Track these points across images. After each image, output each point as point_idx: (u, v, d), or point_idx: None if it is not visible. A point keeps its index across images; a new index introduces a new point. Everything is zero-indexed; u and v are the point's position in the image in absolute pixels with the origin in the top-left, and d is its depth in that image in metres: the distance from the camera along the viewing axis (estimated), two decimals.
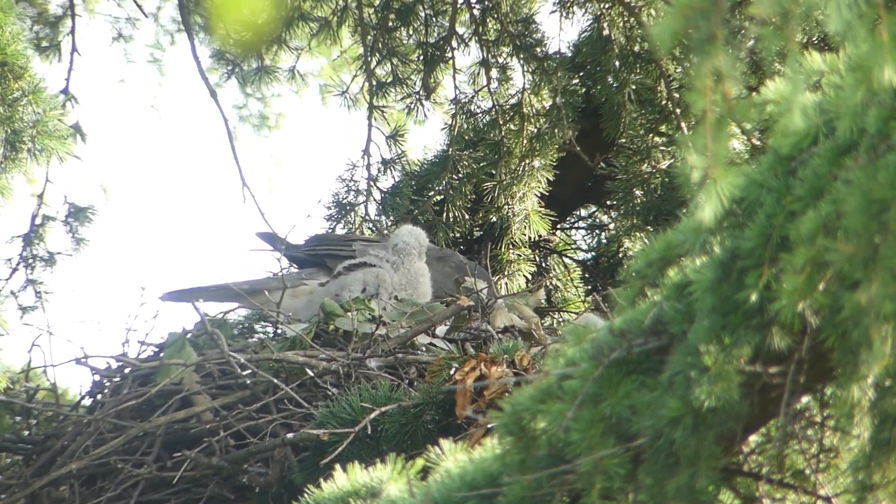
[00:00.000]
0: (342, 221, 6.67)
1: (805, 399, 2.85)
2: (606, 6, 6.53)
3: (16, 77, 4.74)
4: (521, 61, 6.62)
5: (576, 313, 6.69)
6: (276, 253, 6.20)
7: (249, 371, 5.09)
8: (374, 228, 6.60)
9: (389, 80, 6.75)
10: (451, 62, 6.75)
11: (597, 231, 7.19)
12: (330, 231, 6.65)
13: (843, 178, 2.37)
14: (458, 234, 6.66)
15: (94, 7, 7.60)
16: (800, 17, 2.30)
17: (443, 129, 6.79)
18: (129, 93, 8.41)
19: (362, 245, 5.99)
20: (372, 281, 5.73)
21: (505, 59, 6.69)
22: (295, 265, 6.24)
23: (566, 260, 7.19)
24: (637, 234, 6.62)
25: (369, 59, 6.72)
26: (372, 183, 6.68)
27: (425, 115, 6.80)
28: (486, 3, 6.64)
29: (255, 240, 6.26)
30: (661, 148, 6.52)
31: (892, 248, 2.23)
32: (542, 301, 6.59)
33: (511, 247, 6.64)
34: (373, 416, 4.71)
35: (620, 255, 6.81)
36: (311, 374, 5.08)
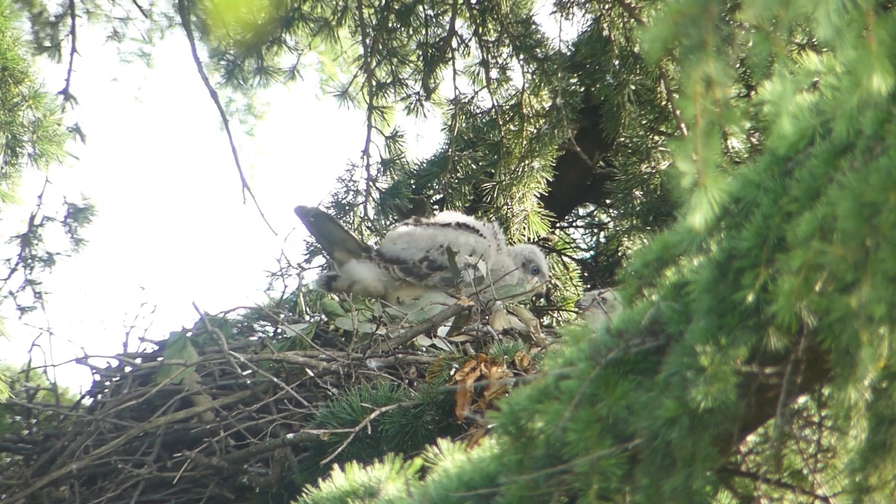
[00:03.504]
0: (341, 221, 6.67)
1: (802, 399, 2.85)
2: (606, 7, 6.53)
3: (16, 82, 4.76)
4: (521, 62, 6.62)
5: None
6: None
7: (250, 371, 5.09)
8: (373, 228, 6.59)
9: (389, 80, 6.75)
10: (451, 62, 6.76)
11: (596, 230, 7.19)
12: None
13: (837, 181, 2.38)
14: None
15: (97, 7, 7.60)
16: (789, 23, 2.30)
17: (442, 129, 6.79)
18: (122, 91, 8.43)
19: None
20: (480, 250, 5.71)
21: (505, 59, 6.69)
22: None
23: (565, 259, 7.20)
24: (636, 233, 6.62)
25: (369, 59, 6.72)
26: (371, 183, 6.68)
27: (424, 116, 6.80)
28: (486, 3, 6.64)
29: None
30: (661, 148, 6.52)
31: (884, 252, 2.24)
32: (542, 301, 6.60)
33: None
34: (373, 416, 4.71)
35: (619, 255, 6.82)
36: (312, 375, 5.08)
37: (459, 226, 5.80)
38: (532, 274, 5.90)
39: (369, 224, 6.65)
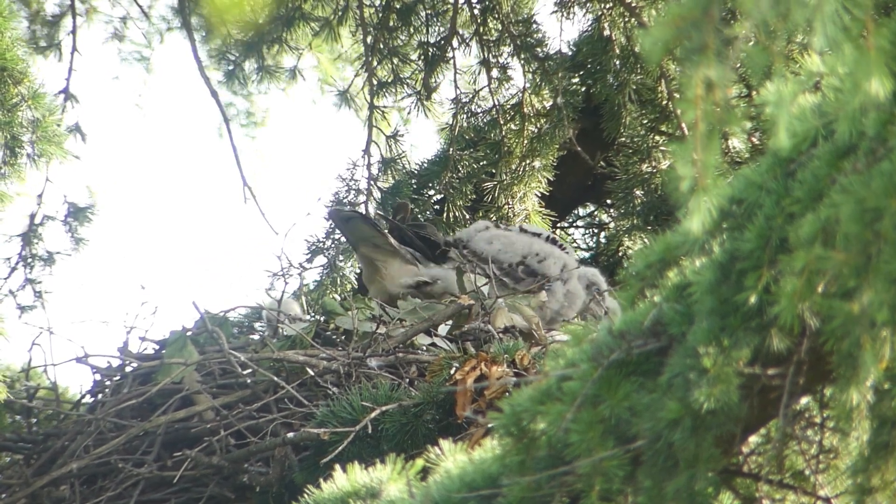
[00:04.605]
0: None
1: (805, 400, 2.85)
2: (607, 6, 6.53)
3: (15, 82, 4.76)
4: (522, 61, 6.62)
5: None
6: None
7: (250, 370, 5.09)
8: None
9: (390, 79, 6.75)
10: (451, 62, 6.76)
11: (596, 230, 7.20)
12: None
13: (840, 185, 2.37)
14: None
15: (95, 9, 7.60)
16: (787, 33, 2.30)
17: (443, 128, 6.79)
18: (122, 92, 8.43)
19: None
20: (571, 265, 5.90)
21: (506, 58, 6.69)
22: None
23: None
24: (637, 233, 6.62)
25: (370, 58, 6.72)
26: (372, 182, 6.68)
27: (426, 115, 6.80)
28: (487, 2, 6.64)
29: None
30: (661, 148, 6.52)
31: (887, 257, 2.23)
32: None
33: None
34: (373, 415, 4.71)
35: (620, 255, 6.82)
36: (312, 374, 5.08)
37: (549, 238, 5.93)
38: (596, 295, 6.02)
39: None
